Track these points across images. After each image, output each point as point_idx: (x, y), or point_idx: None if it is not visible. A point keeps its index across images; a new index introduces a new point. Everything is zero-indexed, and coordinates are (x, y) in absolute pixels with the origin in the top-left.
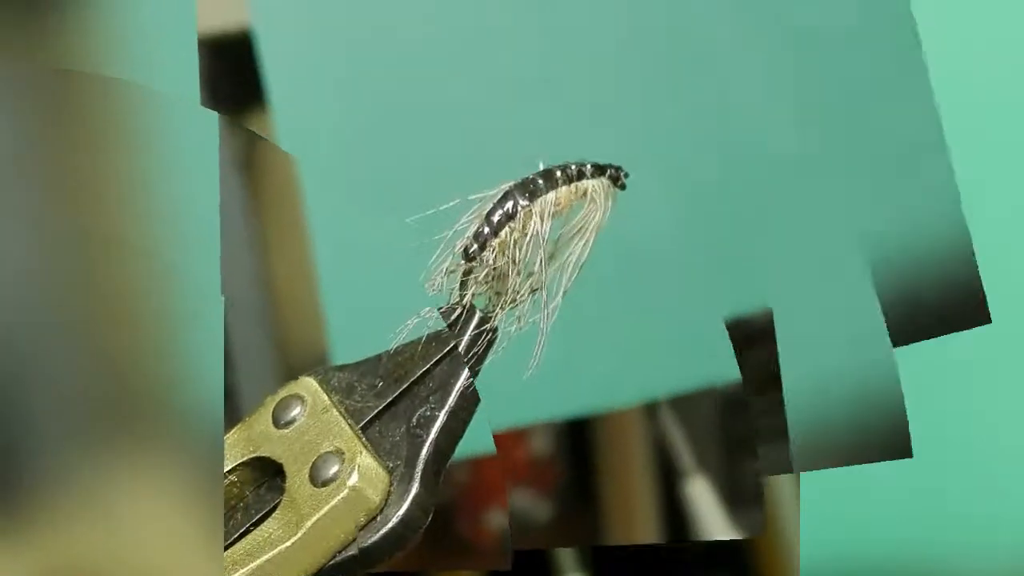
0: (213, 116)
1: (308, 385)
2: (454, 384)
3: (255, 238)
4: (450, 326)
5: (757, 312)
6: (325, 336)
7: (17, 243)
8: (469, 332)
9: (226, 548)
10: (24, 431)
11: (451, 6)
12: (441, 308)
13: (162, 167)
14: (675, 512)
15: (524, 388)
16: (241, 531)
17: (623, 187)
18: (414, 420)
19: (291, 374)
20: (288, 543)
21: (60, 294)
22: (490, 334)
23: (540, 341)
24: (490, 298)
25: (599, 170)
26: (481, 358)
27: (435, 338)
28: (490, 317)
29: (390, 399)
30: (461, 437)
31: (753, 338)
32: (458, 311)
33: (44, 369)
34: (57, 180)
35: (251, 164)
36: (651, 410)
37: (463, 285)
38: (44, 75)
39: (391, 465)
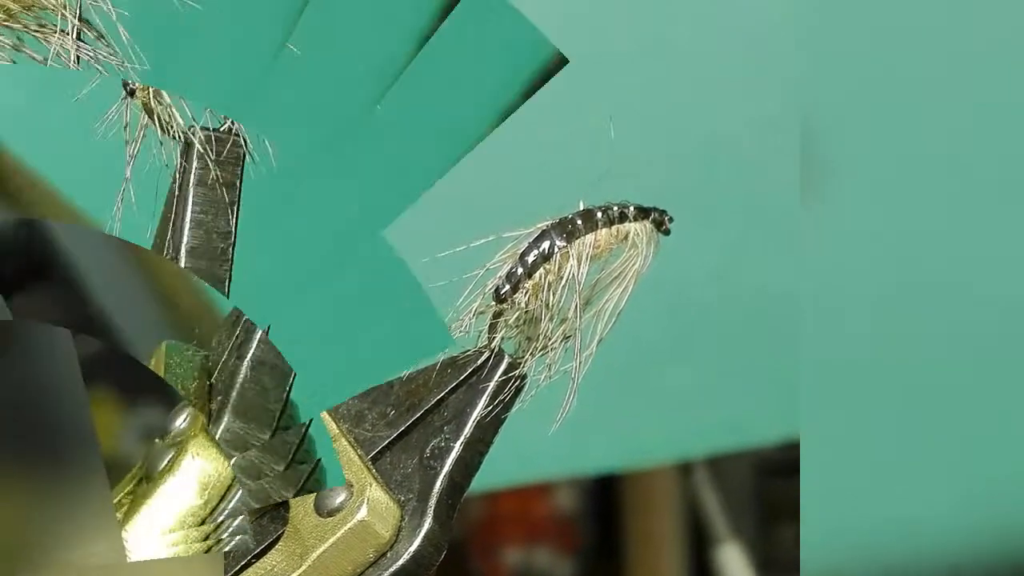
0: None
1: None
2: (470, 413)
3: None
4: (476, 371)
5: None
6: None
7: None
8: (496, 378)
9: None
10: None
11: None
12: (468, 351)
13: None
14: None
15: (551, 440)
16: (243, 563)
17: (667, 232)
18: (427, 451)
19: None
20: None
21: None
22: (518, 381)
23: (571, 391)
24: (520, 343)
25: (643, 213)
26: (507, 406)
27: (450, 364)
28: (519, 363)
29: (402, 429)
30: (477, 470)
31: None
32: (486, 355)
33: None
34: None
35: None
36: (685, 470)
37: (492, 328)
38: None
39: (402, 498)
